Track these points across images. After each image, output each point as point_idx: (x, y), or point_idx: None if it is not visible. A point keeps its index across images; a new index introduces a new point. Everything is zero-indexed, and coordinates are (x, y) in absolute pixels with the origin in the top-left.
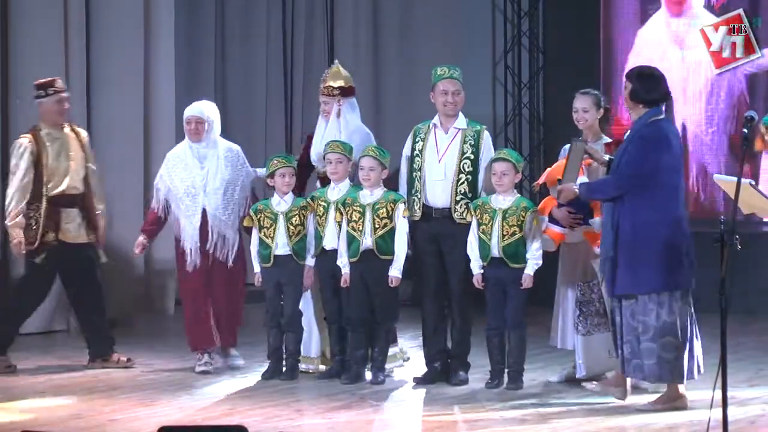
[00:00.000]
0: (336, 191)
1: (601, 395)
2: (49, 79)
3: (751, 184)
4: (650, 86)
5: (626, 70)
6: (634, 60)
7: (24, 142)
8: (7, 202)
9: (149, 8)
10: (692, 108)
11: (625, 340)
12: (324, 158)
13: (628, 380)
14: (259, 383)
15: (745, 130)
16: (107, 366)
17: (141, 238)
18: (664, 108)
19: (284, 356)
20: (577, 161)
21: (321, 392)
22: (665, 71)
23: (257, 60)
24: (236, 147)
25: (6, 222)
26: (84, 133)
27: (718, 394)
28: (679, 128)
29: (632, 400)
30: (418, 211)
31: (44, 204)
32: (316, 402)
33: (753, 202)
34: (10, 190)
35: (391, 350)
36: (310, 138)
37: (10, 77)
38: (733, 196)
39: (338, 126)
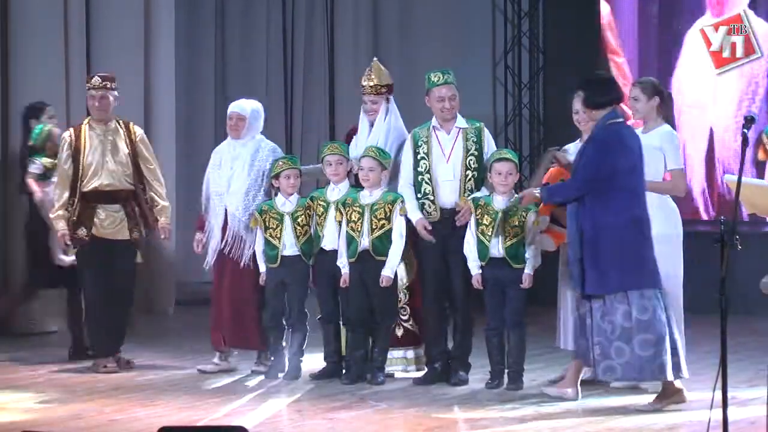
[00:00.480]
0: (336, 192)
1: (560, 397)
2: (92, 75)
3: None
4: (599, 90)
5: (675, 72)
6: (683, 62)
7: (65, 135)
8: (52, 194)
9: (149, 8)
10: (723, 112)
11: (596, 341)
12: (323, 160)
13: (580, 380)
14: (260, 383)
15: (745, 130)
16: (99, 370)
17: (200, 236)
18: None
19: (288, 355)
20: (544, 167)
21: (321, 392)
22: (700, 75)
23: (257, 60)
24: (269, 148)
25: (50, 214)
26: (138, 131)
27: (719, 394)
28: (706, 133)
29: (633, 400)
30: (434, 212)
31: (77, 198)
32: (317, 402)
33: (757, 201)
34: (55, 183)
35: (415, 352)
36: (348, 136)
37: (10, 78)
38: (743, 197)
39: (389, 123)
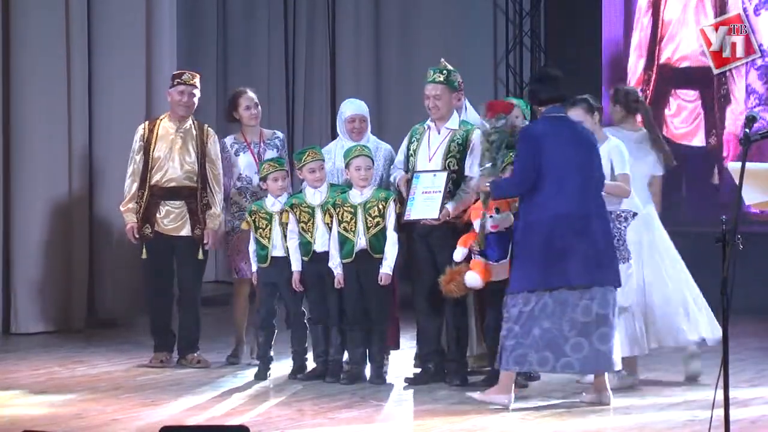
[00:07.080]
0: (318, 195)
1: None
2: (181, 71)
3: None
4: (542, 88)
5: None
6: None
7: (139, 127)
8: (125, 187)
9: (150, 5)
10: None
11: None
12: (303, 168)
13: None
14: (262, 383)
15: (747, 130)
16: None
17: None
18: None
19: (292, 356)
20: None
21: (322, 392)
22: None
23: (259, 57)
24: (385, 149)
25: (120, 207)
26: (212, 133)
27: (720, 394)
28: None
29: (633, 401)
30: None
31: (146, 193)
32: (318, 402)
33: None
34: (126, 176)
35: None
36: None
37: (11, 77)
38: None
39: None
